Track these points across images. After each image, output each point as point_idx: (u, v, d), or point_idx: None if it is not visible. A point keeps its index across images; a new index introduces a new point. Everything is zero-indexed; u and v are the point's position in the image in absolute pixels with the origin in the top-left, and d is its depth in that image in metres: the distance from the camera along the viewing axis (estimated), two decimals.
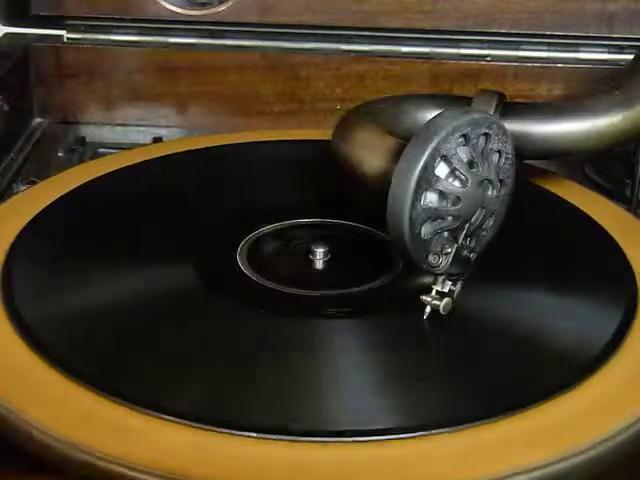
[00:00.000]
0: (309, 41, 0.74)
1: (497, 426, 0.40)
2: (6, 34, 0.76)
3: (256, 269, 0.52)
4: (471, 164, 0.46)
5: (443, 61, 0.73)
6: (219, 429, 0.40)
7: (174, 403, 0.41)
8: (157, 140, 0.71)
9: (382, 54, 0.73)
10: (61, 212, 0.56)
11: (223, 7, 0.73)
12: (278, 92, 0.74)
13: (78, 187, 0.58)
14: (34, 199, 0.57)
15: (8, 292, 0.48)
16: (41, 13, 0.74)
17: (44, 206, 0.56)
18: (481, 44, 0.73)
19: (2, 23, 0.74)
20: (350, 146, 0.53)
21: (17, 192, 0.62)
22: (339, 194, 0.59)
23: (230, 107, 0.74)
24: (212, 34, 0.74)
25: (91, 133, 0.74)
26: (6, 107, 0.69)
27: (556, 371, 0.44)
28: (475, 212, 0.47)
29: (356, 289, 0.51)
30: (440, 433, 0.40)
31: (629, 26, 0.71)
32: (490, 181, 0.47)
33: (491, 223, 0.48)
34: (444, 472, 0.39)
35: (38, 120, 0.75)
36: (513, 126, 0.54)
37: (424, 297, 0.47)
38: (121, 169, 0.61)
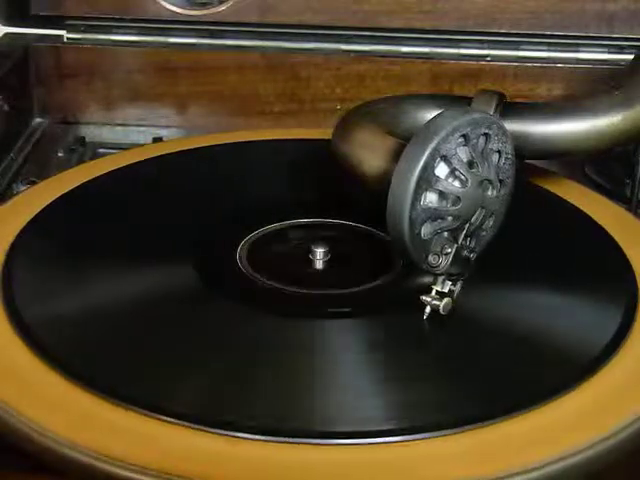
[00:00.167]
0: (309, 41, 0.74)
1: (497, 426, 0.40)
2: (6, 34, 0.76)
3: (256, 269, 0.52)
4: (471, 164, 0.46)
5: (443, 61, 0.73)
6: (218, 430, 0.40)
7: (173, 404, 0.41)
8: (157, 140, 0.71)
9: (382, 54, 0.73)
10: (61, 212, 0.56)
11: (223, 7, 0.73)
12: (278, 92, 0.74)
13: (78, 187, 0.58)
14: (34, 199, 0.57)
15: (8, 292, 0.48)
16: (41, 13, 0.74)
17: (44, 206, 0.56)
18: (481, 44, 0.73)
19: (2, 23, 0.74)
20: (350, 146, 0.53)
21: (17, 192, 0.62)
22: (339, 194, 0.59)
23: (230, 107, 0.74)
24: (212, 34, 0.74)
25: (91, 133, 0.74)
26: (6, 107, 0.69)
27: (556, 371, 0.44)
28: (475, 212, 0.47)
29: (356, 289, 0.51)
30: (440, 434, 0.40)
31: (629, 26, 0.71)
32: (490, 181, 0.47)
33: (491, 223, 0.48)
34: (444, 472, 0.39)
35: (38, 120, 0.75)
36: (513, 126, 0.54)
37: (424, 297, 0.47)
38: (121, 169, 0.61)
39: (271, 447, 0.39)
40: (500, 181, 0.47)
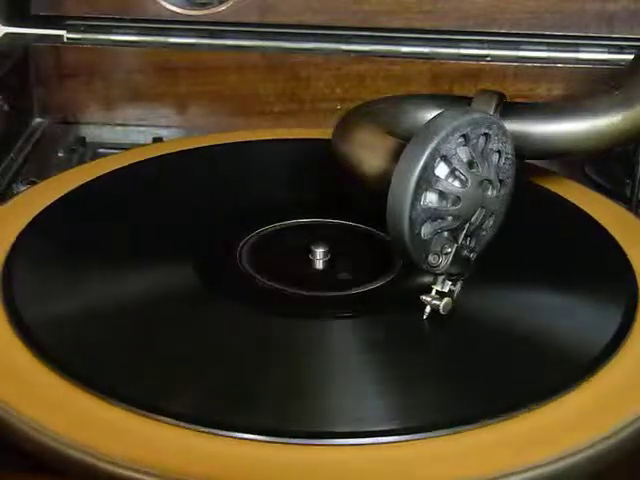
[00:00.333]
0: (309, 41, 0.74)
1: (497, 426, 0.40)
2: (6, 34, 0.76)
3: (256, 269, 0.52)
4: (471, 164, 0.46)
5: (443, 61, 0.73)
6: (218, 430, 0.40)
7: (173, 404, 0.41)
8: (157, 140, 0.71)
9: (382, 54, 0.73)
10: (61, 213, 0.56)
11: (223, 7, 0.73)
12: (278, 92, 0.74)
13: (78, 187, 0.58)
14: (34, 200, 0.57)
15: (8, 293, 0.48)
16: (41, 13, 0.74)
17: (44, 207, 0.56)
18: (481, 44, 0.73)
19: (2, 23, 0.74)
20: (350, 146, 0.53)
21: (17, 192, 0.62)
22: (339, 194, 0.59)
23: (230, 107, 0.74)
24: (212, 34, 0.74)
25: (91, 133, 0.74)
26: (6, 107, 0.69)
27: (556, 371, 0.44)
28: (475, 212, 0.47)
29: (356, 289, 0.51)
30: (440, 433, 0.40)
31: (629, 26, 0.71)
32: (490, 181, 0.47)
33: (491, 223, 0.48)
34: (444, 472, 0.39)
35: (38, 120, 0.75)
36: (513, 126, 0.54)
37: (424, 297, 0.47)
38: (121, 169, 0.61)
39: (271, 447, 0.39)
40: (500, 181, 0.47)
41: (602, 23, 0.71)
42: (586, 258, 0.53)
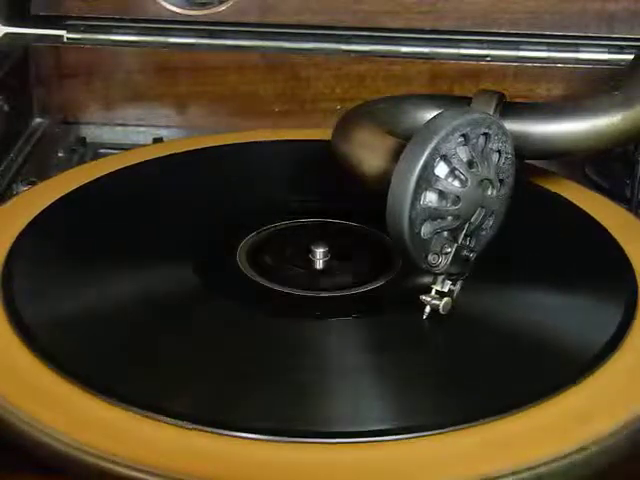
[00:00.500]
0: (309, 41, 0.74)
1: (497, 425, 0.40)
2: (6, 34, 0.76)
3: (256, 269, 0.52)
4: (471, 164, 0.46)
5: (443, 61, 0.73)
6: (218, 430, 0.40)
7: (173, 404, 0.41)
8: (157, 140, 0.71)
9: (382, 54, 0.73)
10: (61, 213, 0.56)
11: (223, 7, 0.73)
12: (278, 92, 0.74)
13: (78, 188, 0.58)
14: (34, 200, 0.57)
15: (8, 293, 0.48)
16: (41, 13, 0.74)
17: (44, 207, 0.56)
18: (481, 44, 0.73)
19: (2, 23, 0.74)
20: (350, 146, 0.53)
21: (17, 193, 0.62)
22: (339, 194, 0.59)
23: (230, 107, 0.74)
24: (212, 34, 0.74)
25: (91, 133, 0.74)
26: (6, 107, 0.69)
27: (556, 369, 0.44)
28: (475, 212, 0.47)
29: (356, 289, 0.51)
30: (440, 433, 0.40)
31: (629, 26, 0.71)
32: (490, 181, 0.47)
33: (491, 223, 0.48)
34: (444, 472, 0.39)
35: (38, 120, 0.75)
36: (513, 126, 0.54)
37: (424, 297, 0.47)
38: (121, 170, 0.61)
39: (271, 447, 0.39)
40: (500, 181, 0.47)
41: (602, 23, 0.71)
42: (586, 258, 0.53)
